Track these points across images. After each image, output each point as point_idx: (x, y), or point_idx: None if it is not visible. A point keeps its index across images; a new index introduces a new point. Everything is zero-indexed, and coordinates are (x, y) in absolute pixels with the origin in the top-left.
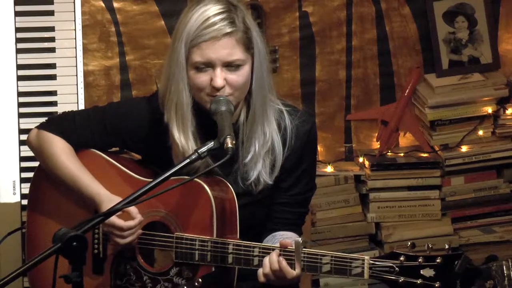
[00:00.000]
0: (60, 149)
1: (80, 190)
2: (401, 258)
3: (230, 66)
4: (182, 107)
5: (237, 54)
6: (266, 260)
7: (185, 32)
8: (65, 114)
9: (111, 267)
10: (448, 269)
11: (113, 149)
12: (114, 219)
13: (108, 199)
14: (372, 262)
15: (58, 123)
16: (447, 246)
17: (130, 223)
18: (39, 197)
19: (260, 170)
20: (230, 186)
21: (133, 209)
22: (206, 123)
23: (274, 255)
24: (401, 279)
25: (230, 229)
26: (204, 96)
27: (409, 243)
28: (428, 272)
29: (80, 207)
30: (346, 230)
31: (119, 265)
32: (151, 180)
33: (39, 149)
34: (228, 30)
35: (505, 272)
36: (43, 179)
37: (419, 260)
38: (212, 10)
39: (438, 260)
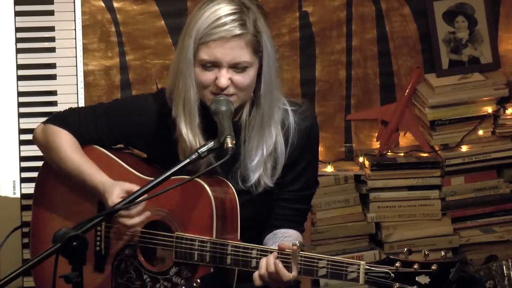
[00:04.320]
0: (65, 141)
1: (84, 180)
2: (397, 264)
3: (236, 68)
4: (189, 103)
5: (245, 56)
6: (263, 261)
7: (195, 29)
8: (70, 110)
9: (113, 265)
10: (443, 276)
11: (117, 145)
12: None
13: (110, 188)
14: (368, 267)
15: (64, 119)
16: (443, 254)
17: (138, 206)
18: (44, 194)
19: (261, 173)
20: (232, 186)
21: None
22: (211, 121)
23: (271, 257)
24: (396, 285)
25: (231, 230)
26: (207, 94)
27: (405, 249)
28: (423, 279)
29: (85, 203)
30: (346, 230)
31: (120, 263)
32: (153, 178)
33: (45, 142)
34: (238, 32)
35: (505, 272)
36: (48, 176)
37: (415, 266)
38: (224, 10)
39: (433, 268)
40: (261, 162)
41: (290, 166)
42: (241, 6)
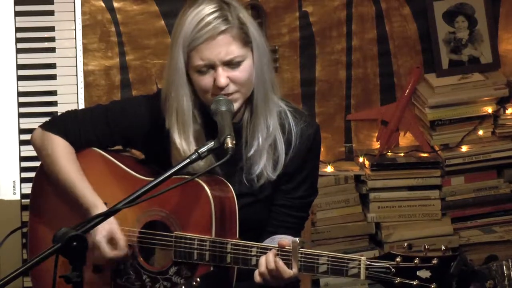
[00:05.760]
0: (61, 153)
1: (77, 199)
2: (398, 259)
3: (231, 64)
4: (183, 112)
5: (235, 51)
6: (262, 259)
7: (181, 37)
8: (68, 113)
9: (111, 266)
10: (444, 270)
11: (116, 147)
12: (103, 243)
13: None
14: (369, 262)
15: (62, 123)
16: (443, 248)
17: (114, 252)
18: (41, 196)
19: (264, 163)
20: (230, 186)
21: (122, 243)
22: (212, 124)
23: (270, 255)
24: (397, 280)
25: (230, 229)
26: (210, 97)
27: (405, 244)
28: (424, 274)
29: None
30: (346, 230)
31: (119, 264)
32: (153, 179)
33: (42, 151)
34: (223, 27)
35: (505, 272)
36: (45, 178)
37: (415, 261)
38: (205, 11)
39: (434, 262)
40: (261, 151)
41: (292, 173)
42: (220, 3)
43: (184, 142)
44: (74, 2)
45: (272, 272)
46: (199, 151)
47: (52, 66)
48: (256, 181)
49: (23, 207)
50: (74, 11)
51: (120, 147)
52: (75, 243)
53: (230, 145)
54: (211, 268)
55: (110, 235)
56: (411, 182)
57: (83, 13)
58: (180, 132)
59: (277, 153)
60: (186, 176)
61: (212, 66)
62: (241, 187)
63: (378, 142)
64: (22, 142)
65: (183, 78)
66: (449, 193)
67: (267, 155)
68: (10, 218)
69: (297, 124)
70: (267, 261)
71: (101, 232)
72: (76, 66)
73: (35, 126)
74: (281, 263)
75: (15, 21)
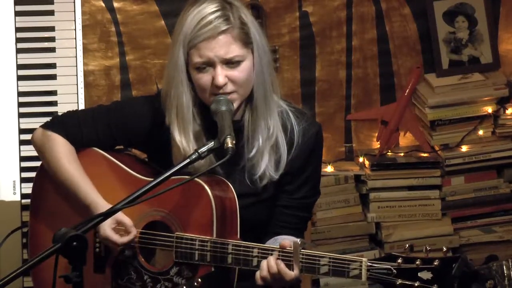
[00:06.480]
0: (62, 152)
1: (78, 197)
2: (399, 261)
3: (230, 63)
4: (182, 110)
5: (235, 50)
6: (264, 263)
7: (182, 35)
8: (69, 113)
9: (112, 266)
10: (445, 272)
11: (117, 147)
12: (110, 233)
13: (104, 209)
14: (370, 264)
15: (63, 123)
16: (444, 249)
17: (125, 239)
18: (41, 196)
19: (266, 164)
20: (231, 186)
21: (128, 222)
22: (212, 123)
23: (272, 259)
24: (399, 281)
25: (231, 229)
26: (208, 96)
27: (407, 245)
28: (425, 275)
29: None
30: (346, 230)
31: (120, 264)
32: (152, 179)
33: (43, 149)
34: (224, 27)
35: (505, 272)
36: (45, 178)
37: (417, 262)
38: (206, 10)
39: (435, 263)
40: (262, 152)
41: (295, 173)
42: (222, 3)
43: (183, 140)
44: (74, 2)
45: (274, 275)
46: (199, 151)
47: (52, 66)
48: (259, 182)
49: (23, 207)
50: (74, 11)
51: (120, 147)
52: (75, 243)
53: (230, 145)
54: (212, 269)
55: (116, 222)
56: (411, 182)
57: (83, 13)
58: (180, 128)
59: (279, 152)
60: (186, 177)
61: (211, 64)
62: (242, 187)
63: (378, 142)
64: (22, 142)
65: (183, 75)
66: (449, 193)
67: (268, 156)
68: (10, 218)
69: (299, 124)
70: (269, 265)
71: (106, 224)
72: (76, 66)
73: (35, 126)
74: (282, 266)
75: (15, 21)
